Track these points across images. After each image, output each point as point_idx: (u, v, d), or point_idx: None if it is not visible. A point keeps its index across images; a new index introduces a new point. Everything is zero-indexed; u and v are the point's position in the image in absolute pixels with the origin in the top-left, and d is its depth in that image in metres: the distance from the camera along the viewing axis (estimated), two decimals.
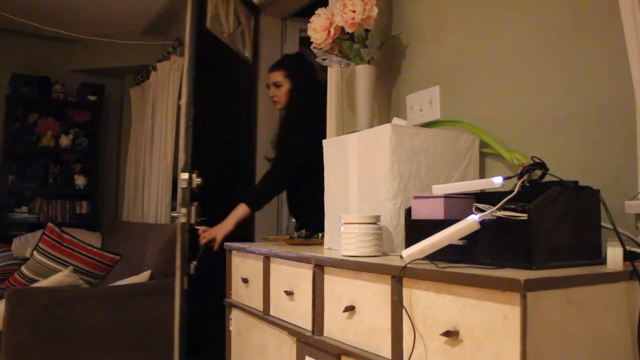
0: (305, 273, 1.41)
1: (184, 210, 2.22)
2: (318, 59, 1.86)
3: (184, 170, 2.26)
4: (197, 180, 2.27)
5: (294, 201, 2.46)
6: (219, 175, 2.63)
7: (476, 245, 1.05)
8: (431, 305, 1.00)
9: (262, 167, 2.96)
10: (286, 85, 2.40)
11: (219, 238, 2.21)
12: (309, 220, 2.32)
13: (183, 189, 2.24)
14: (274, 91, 2.43)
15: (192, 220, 2.24)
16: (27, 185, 4.59)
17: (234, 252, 1.91)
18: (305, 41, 3.05)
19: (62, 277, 2.72)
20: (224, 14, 2.66)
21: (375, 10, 1.70)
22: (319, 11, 1.76)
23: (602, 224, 1.11)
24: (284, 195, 3.08)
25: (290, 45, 3.12)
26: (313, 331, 1.37)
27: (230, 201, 2.33)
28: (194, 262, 2.23)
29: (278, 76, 2.42)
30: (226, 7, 2.67)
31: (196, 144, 2.40)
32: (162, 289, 2.64)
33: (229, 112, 2.82)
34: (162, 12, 4.06)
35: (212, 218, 2.29)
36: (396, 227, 1.37)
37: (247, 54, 2.86)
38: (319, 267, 1.35)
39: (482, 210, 1.04)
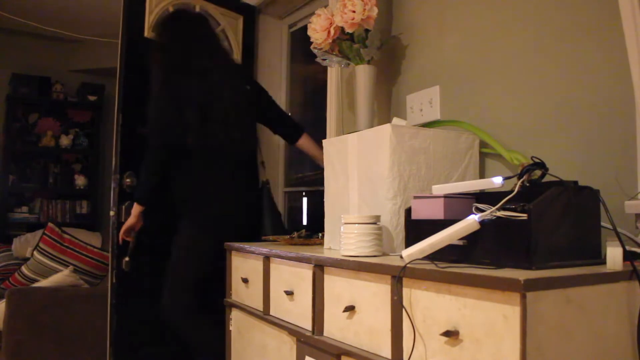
0: (305, 273, 1.41)
1: (113, 211, 2.34)
2: (318, 59, 1.86)
3: (114, 172, 2.38)
4: (126, 181, 2.38)
5: (175, 182, 2.16)
6: None
7: (476, 245, 1.05)
8: (431, 305, 1.00)
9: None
10: None
11: (120, 234, 2.21)
12: (191, 207, 2.15)
13: (113, 189, 2.36)
14: None
15: (122, 219, 2.31)
16: (27, 185, 4.59)
17: (234, 252, 1.91)
18: (294, 36, 3.05)
19: (62, 277, 2.73)
20: None
21: (375, 10, 1.70)
22: (319, 11, 1.76)
23: (602, 224, 1.11)
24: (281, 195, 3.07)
25: (284, 42, 3.12)
26: (313, 331, 1.37)
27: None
28: (126, 258, 2.26)
29: (154, 36, 2.28)
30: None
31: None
32: None
33: None
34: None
35: None
36: (396, 227, 1.37)
37: (235, 54, 2.84)
38: (319, 267, 1.35)
39: (482, 210, 1.04)
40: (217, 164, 2.15)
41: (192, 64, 2.10)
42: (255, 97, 2.30)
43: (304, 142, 2.35)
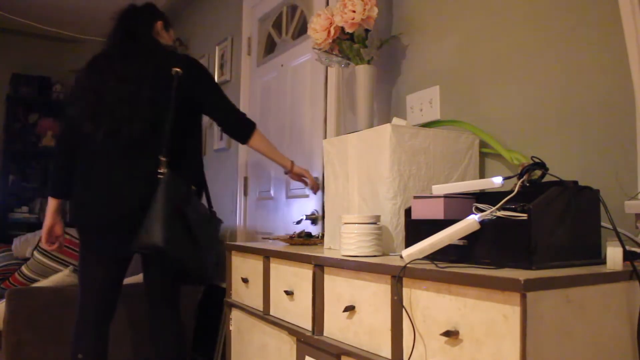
0: (305, 273, 1.41)
1: None
2: (318, 59, 1.86)
3: None
4: None
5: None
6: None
7: (476, 245, 1.05)
8: (431, 305, 1.00)
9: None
10: None
11: (43, 241, 2.06)
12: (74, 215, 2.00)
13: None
14: None
15: None
16: (27, 185, 4.60)
17: (234, 252, 1.91)
18: None
19: (62, 277, 2.73)
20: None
21: (375, 10, 1.70)
22: (319, 11, 1.76)
23: (602, 224, 1.11)
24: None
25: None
26: (313, 331, 1.37)
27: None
28: None
29: None
30: None
31: None
32: None
33: None
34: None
35: None
36: (396, 227, 1.37)
37: None
38: (319, 267, 1.35)
39: (482, 210, 1.04)
40: (100, 156, 1.90)
41: (102, 53, 2.04)
42: (179, 82, 1.92)
43: (256, 143, 2.05)
